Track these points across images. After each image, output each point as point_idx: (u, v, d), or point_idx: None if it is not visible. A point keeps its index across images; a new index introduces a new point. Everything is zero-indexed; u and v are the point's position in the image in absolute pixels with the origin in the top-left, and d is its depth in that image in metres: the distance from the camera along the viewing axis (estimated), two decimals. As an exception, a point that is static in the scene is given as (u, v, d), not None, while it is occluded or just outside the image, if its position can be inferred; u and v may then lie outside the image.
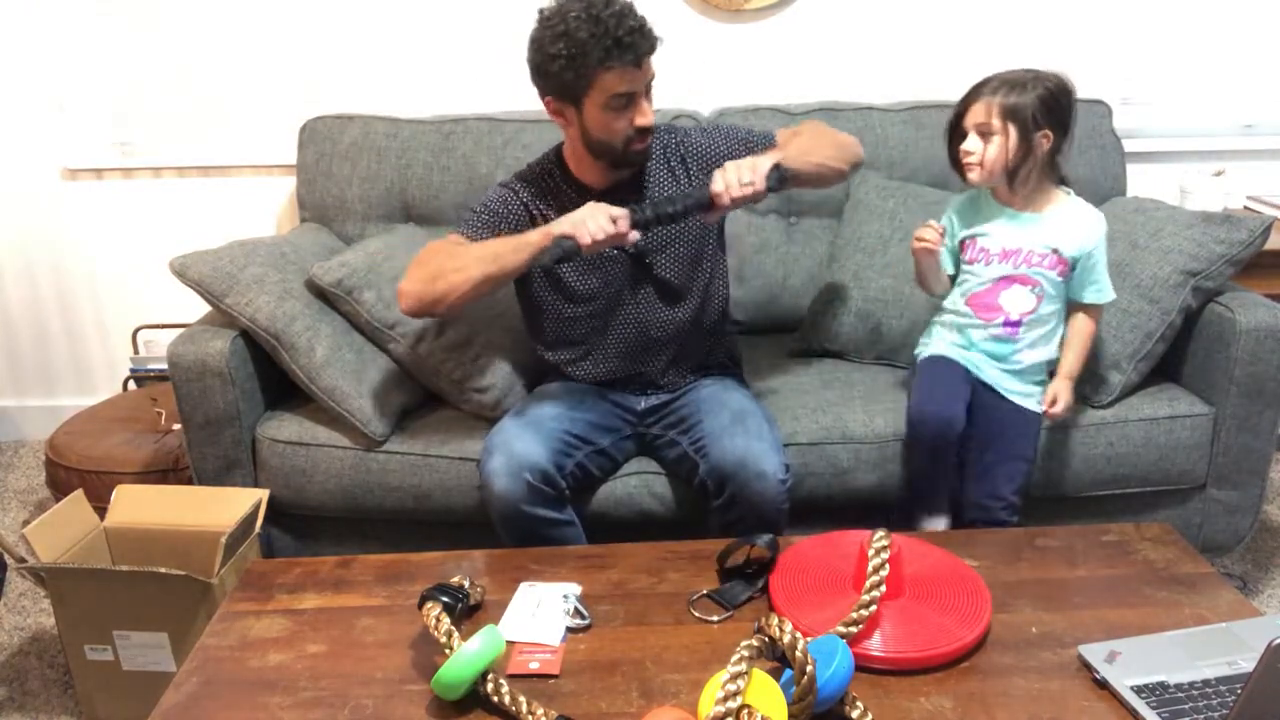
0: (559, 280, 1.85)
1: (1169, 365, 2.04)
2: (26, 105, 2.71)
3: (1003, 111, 1.77)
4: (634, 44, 1.61)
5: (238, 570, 1.72)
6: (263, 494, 1.88)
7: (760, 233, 2.38)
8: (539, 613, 1.38)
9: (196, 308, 2.14)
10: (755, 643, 1.14)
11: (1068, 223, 1.85)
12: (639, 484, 1.90)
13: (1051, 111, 1.77)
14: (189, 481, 2.03)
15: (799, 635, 1.12)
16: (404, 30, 2.64)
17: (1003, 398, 1.89)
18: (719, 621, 1.37)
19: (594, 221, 1.59)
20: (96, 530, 1.88)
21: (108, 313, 2.90)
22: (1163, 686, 1.18)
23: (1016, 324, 1.87)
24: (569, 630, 1.35)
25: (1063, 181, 1.89)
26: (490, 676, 1.20)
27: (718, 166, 1.81)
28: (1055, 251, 1.84)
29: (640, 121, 1.70)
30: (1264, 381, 1.91)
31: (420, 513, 1.96)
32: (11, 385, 2.99)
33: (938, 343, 1.96)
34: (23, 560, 1.77)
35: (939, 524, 1.86)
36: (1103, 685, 1.21)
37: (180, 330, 1.99)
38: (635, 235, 1.63)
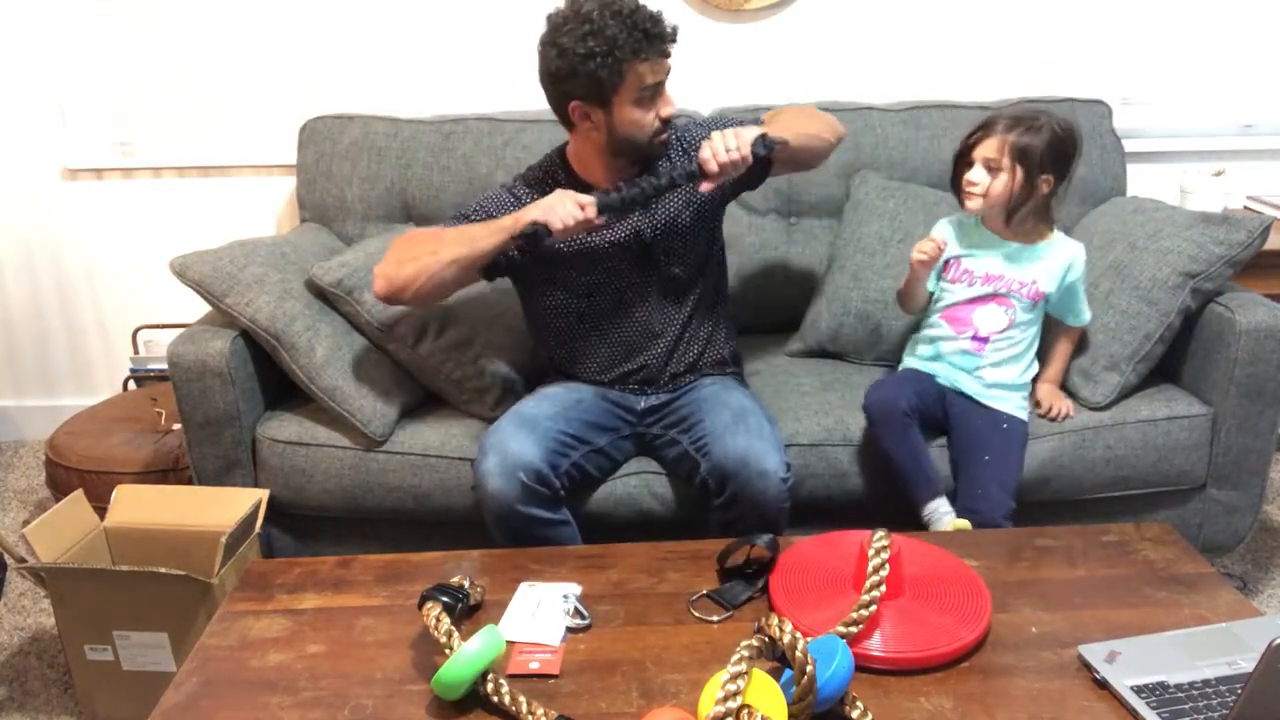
0: (565, 275, 1.85)
1: (1168, 366, 2.04)
2: (26, 105, 2.71)
3: (1014, 151, 1.84)
4: (661, 34, 1.66)
5: (238, 570, 1.72)
6: (263, 494, 1.88)
7: (760, 233, 2.38)
8: (539, 613, 1.38)
9: (196, 308, 2.14)
10: (755, 643, 1.14)
11: (1051, 259, 1.94)
12: (639, 484, 1.91)
13: (1058, 158, 1.86)
14: (189, 481, 2.03)
15: (799, 635, 1.12)
16: (404, 30, 2.64)
17: (980, 404, 1.93)
18: (719, 621, 1.37)
19: (562, 207, 1.64)
20: (96, 530, 1.88)
21: (108, 313, 2.90)
22: (1163, 686, 1.18)
23: (984, 340, 1.94)
24: (569, 630, 1.35)
25: (1052, 221, 1.97)
26: (490, 676, 1.20)
27: None
28: (1035, 283, 1.93)
29: (666, 112, 1.73)
30: (1264, 382, 1.91)
31: (420, 513, 1.97)
32: (11, 385, 2.99)
33: (907, 359, 2.06)
34: (23, 560, 1.77)
35: (940, 507, 1.83)
36: (1103, 685, 1.21)
37: (180, 330, 1.99)
38: (601, 220, 1.68)
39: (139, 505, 1.91)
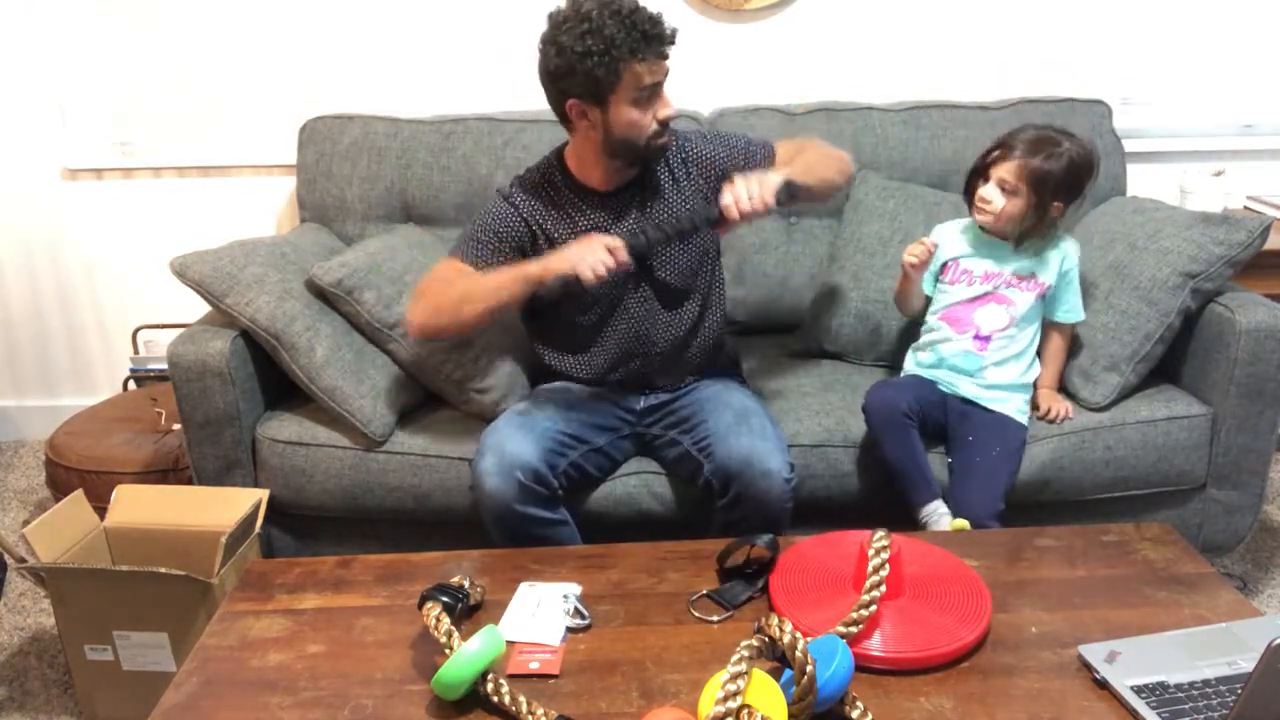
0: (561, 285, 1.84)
1: (1168, 366, 2.04)
2: (26, 105, 2.71)
3: (1030, 178, 1.86)
4: (659, 35, 1.65)
5: (238, 570, 1.72)
6: (263, 494, 1.88)
7: (760, 233, 2.38)
8: (539, 613, 1.38)
9: (196, 308, 2.14)
10: (755, 643, 1.14)
11: (1049, 253, 1.95)
12: (639, 484, 1.91)
13: (1072, 185, 1.88)
14: (189, 481, 2.03)
15: (799, 635, 1.12)
16: (404, 30, 2.64)
17: (981, 408, 1.93)
18: (719, 621, 1.37)
19: (592, 255, 1.60)
20: (96, 530, 1.88)
21: (108, 313, 2.90)
22: (1163, 686, 1.18)
23: (986, 339, 1.95)
24: (569, 630, 1.35)
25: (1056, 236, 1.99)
26: (490, 676, 1.20)
27: (719, 174, 1.82)
28: (1034, 276, 1.94)
29: (664, 113, 1.72)
30: (1264, 382, 1.91)
31: (420, 513, 1.97)
32: (11, 385, 2.99)
33: (908, 365, 2.06)
34: (23, 560, 1.77)
35: (938, 509, 1.83)
36: (1103, 685, 1.21)
37: (180, 330, 1.99)
38: (631, 265, 1.65)
39: (139, 505, 1.91)
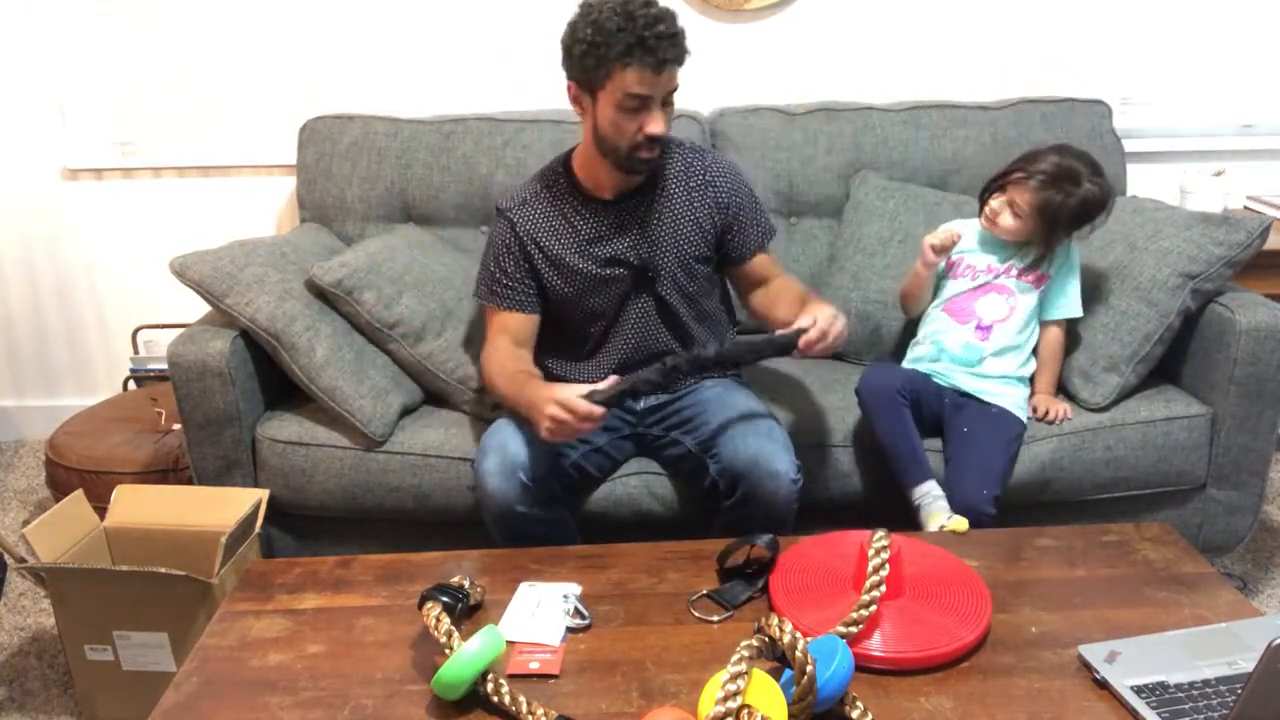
0: (561, 299, 1.84)
1: (1167, 366, 2.04)
2: (26, 105, 2.71)
3: (1041, 211, 1.89)
4: (658, 48, 1.59)
5: (238, 570, 1.72)
6: (263, 494, 1.88)
7: (760, 233, 2.38)
8: (539, 613, 1.38)
9: (196, 308, 2.14)
10: (755, 643, 1.14)
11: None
12: (639, 484, 1.91)
13: (1081, 219, 1.90)
14: (189, 481, 2.03)
15: (799, 635, 1.12)
16: (404, 30, 2.64)
17: (980, 400, 1.93)
18: (719, 621, 1.37)
19: (562, 435, 1.59)
20: (96, 530, 1.88)
21: (108, 313, 2.90)
22: (1163, 686, 1.18)
23: (988, 329, 1.96)
24: (569, 630, 1.35)
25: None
26: (490, 676, 1.20)
27: (733, 218, 1.84)
28: (1034, 268, 1.96)
29: (650, 129, 1.66)
30: (1264, 382, 1.91)
31: (420, 513, 1.97)
32: (11, 385, 2.99)
33: (906, 362, 2.06)
34: (23, 560, 1.77)
35: (931, 490, 1.81)
36: (1103, 685, 1.21)
37: (180, 330, 1.99)
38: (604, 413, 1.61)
39: (139, 505, 1.91)
